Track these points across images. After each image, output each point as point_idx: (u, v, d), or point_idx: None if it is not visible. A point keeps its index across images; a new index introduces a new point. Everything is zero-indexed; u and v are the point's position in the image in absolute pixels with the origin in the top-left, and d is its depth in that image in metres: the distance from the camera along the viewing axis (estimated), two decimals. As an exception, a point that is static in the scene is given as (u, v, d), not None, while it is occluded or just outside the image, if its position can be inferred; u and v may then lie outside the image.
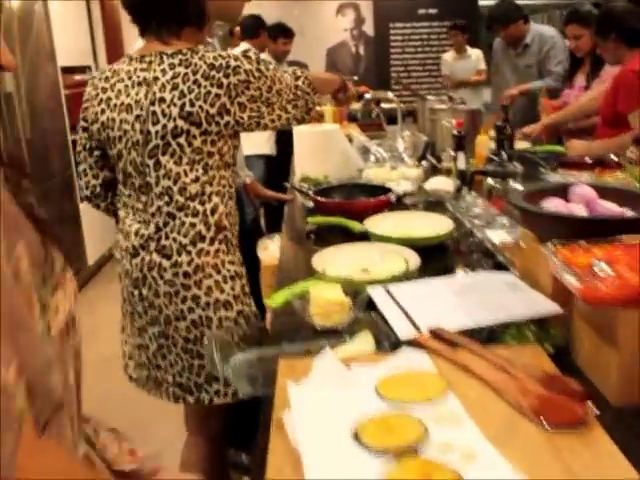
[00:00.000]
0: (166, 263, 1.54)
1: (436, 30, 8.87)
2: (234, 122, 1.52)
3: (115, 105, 1.54)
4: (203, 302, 1.55)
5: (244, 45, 4.23)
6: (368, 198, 2.10)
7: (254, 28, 4.57)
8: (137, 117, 1.51)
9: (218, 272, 1.56)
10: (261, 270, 2.28)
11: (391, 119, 4.39)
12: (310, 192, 2.15)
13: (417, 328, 1.15)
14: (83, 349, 0.65)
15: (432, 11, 8.99)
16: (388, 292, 1.30)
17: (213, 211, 1.55)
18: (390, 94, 3.15)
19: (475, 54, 6.43)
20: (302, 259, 1.78)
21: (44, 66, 4.18)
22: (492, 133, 2.67)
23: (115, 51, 5.34)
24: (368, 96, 3.19)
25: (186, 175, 1.51)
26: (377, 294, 1.29)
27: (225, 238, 1.59)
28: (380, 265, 1.57)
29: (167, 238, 1.54)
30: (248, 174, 2.46)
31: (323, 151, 2.58)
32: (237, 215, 1.67)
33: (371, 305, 1.29)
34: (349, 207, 2.02)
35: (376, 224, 1.86)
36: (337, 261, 1.59)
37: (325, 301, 1.28)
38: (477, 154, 2.58)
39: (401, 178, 2.40)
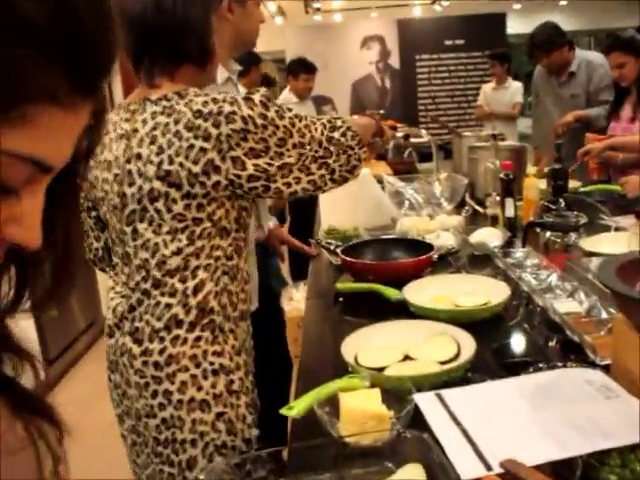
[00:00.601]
0: (136, 349, 1.26)
1: (463, 61, 8.68)
2: (227, 182, 1.21)
3: (99, 162, 1.29)
4: (175, 399, 1.25)
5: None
6: (406, 257, 1.82)
7: (243, 63, 4.16)
8: (115, 176, 1.26)
9: (197, 365, 1.25)
10: (286, 323, 2.08)
11: (422, 155, 4.14)
12: (338, 250, 1.87)
13: (484, 461, 0.85)
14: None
15: (459, 42, 8.81)
16: (441, 400, 1.00)
17: (196, 290, 1.25)
18: (424, 132, 2.87)
19: (515, 86, 6.07)
20: (329, 334, 1.50)
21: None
22: (531, 169, 2.40)
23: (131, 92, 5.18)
24: (399, 134, 2.93)
25: (166, 246, 1.23)
26: (428, 405, 0.99)
27: (211, 323, 1.27)
28: (425, 350, 1.28)
29: (140, 320, 1.27)
30: (270, 219, 2.22)
31: (352, 199, 2.30)
32: (240, 292, 1.35)
33: (419, 415, 1.00)
34: (384, 269, 1.73)
35: (416, 291, 1.58)
36: (372, 344, 1.30)
37: (360, 413, 0.98)
38: (525, 199, 2.29)
39: (440, 228, 2.11)
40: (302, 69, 4.78)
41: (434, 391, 1.03)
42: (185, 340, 1.25)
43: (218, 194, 1.22)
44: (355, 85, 8.68)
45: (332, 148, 1.33)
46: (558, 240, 1.82)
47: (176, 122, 1.19)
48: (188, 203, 1.20)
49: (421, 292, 1.60)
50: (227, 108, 1.19)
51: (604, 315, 1.37)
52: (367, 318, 1.46)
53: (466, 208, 2.40)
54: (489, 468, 0.83)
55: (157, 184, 1.19)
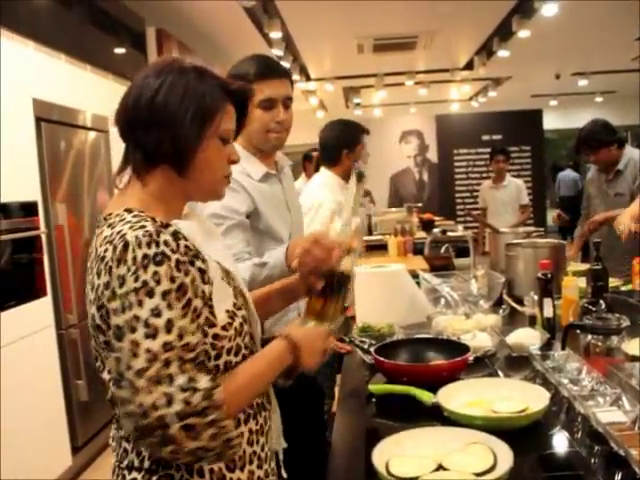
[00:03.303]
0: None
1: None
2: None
3: None
4: None
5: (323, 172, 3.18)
6: (440, 358, 1.78)
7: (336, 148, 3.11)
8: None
9: None
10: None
11: (459, 251, 4.13)
12: (371, 349, 1.84)
13: None
14: None
15: (496, 137, 8.95)
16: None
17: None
18: (460, 227, 2.88)
19: (515, 184, 5.84)
20: (360, 439, 1.45)
21: (106, 195, 4.16)
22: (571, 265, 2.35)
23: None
24: (437, 230, 2.94)
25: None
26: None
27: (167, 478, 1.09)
28: (459, 460, 1.22)
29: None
30: None
31: (387, 295, 2.30)
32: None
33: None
34: (417, 372, 1.69)
35: (451, 395, 1.53)
36: (404, 452, 1.26)
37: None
38: (564, 298, 2.24)
39: (477, 328, 2.07)
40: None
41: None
42: None
43: None
44: (393, 178, 8.82)
45: (161, 388, 0.96)
46: (599, 343, 1.76)
47: (95, 254, 1.07)
48: None
49: (456, 396, 1.55)
50: (109, 254, 1.03)
51: (651, 427, 1.30)
52: (400, 421, 1.43)
53: (503, 307, 2.36)
54: None
55: (92, 330, 1.09)
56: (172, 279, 1.01)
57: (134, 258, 1.00)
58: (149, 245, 1.01)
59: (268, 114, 1.89)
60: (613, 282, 2.71)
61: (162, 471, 1.08)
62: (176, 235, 1.07)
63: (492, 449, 1.24)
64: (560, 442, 1.40)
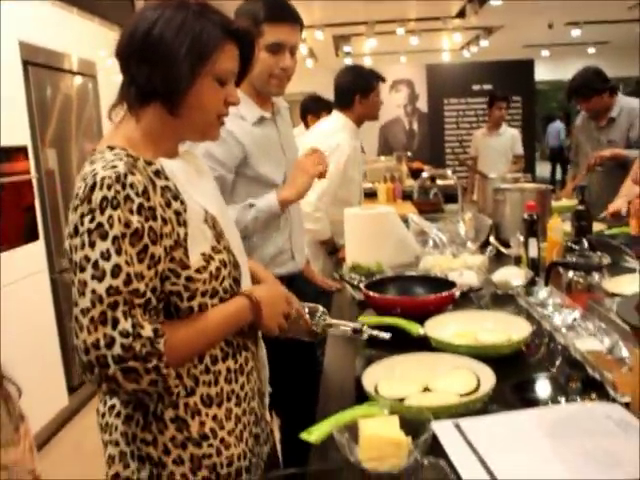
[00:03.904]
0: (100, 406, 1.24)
1: (491, 105, 8.72)
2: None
3: None
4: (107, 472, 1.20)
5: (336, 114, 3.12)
6: (428, 293, 1.84)
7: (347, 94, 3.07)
8: None
9: (127, 443, 1.16)
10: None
11: (448, 197, 4.18)
12: (361, 285, 1.90)
13: (501, 489, 0.87)
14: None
15: (486, 87, 8.90)
16: (459, 429, 1.02)
17: None
18: (449, 172, 2.92)
19: (510, 134, 5.76)
20: (350, 365, 1.53)
21: (95, 144, 4.14)
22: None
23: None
24: (425, 174, 2.97)
25: None
26: (445, 433, 1.01)
27: (143, 406, 1.14)
28: (445, 382, 1.29)
29: None
30: (304, 255, 2.22)
31: (377, 236, 2.34)
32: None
33: (436, 444, 1.02)
34: (406, 305, 1.76)
35: (438, 326, 1.60)
36: (392, 375, 1.33)
37: (378, 440, 1.00)
38: (549, 240, 2.30)
39: (464, 267, 2.13)
40: (323, 107, 4.74)
41: (452, 420, 1.05)
42: (119, 414, 1.17)
43: None
44: (383, 128, 8.80)
45: (106, 331, 1.00)
46: (581, 280, 1.82)
47: (76, 192, 1.08)
48: None
49: (443, 328, 1.61)
50: (80, 191, 1.06)
51: (625, 354, 1.37)
52: (389, 351, 1.48)
53: (490, 248, 2.42)
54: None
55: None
56: (127, 224, 1.02)
57: (96, 199, 1.02)
58: (110, 187, 1.03)
59: (273, 58, 1.86)
60: (598, 227, 2.78)
61: (137, 401, 1.12)
62: (157, 174, 1.10)
63: (476, 373, 1.31)
64: (540, 369, 1.47)
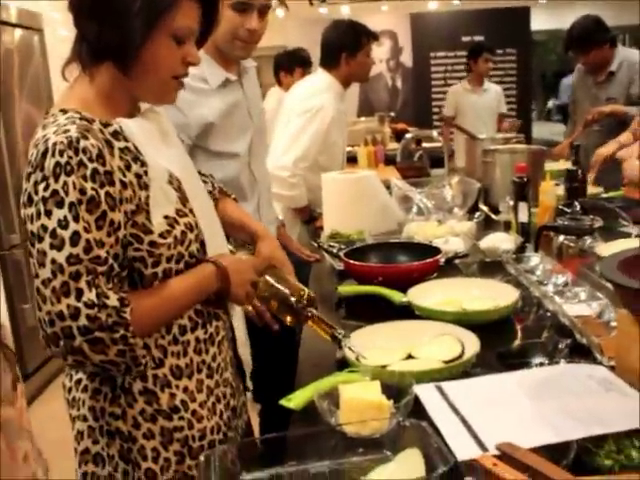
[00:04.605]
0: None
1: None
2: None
3: None
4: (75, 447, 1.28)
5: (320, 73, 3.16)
6: (411, 261, 1.94)
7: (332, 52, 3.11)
8: None
9: (96, 419, 1.24)
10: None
11: (434, 161, 4.27)
12: (341, 253, 2.00)
13: (481, 444, 0.98)
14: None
15: (477, 38, 8.94)
16: (441, 391, 1.13)
17: None
18: (435, 133, 3.01)
19: (494, 89, 5.79)
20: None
21: (42, 107, 4.15)
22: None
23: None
24: (408, 135, 3.06)
25: None
26: (427, 395, 1.12)
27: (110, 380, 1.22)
28: (428, 349, 1.40)
29: None
30: (275, 219, 2.28)
31: (357, 202, 2.44)
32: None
33: (418, 407, 1.13)
34: (388, 273, 1.86)
35: (422, 295, 1.71)
36: (374, 344, 1.43)
37: (359, 404, 1.11)
38: (541, 204, 2.42)
39: (450, 234, 2.24)
40: (298, 63, 4.75)
41: (434, 383, 1.16)
42: (86, 388, 1.23)
43: None
44: (363, 85, 8.85)
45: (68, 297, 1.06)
46: (572, 244, 1.94)
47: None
48: None
49: (427, 296, 1.72)
50: (32, 158, 1.12)
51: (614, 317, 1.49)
52: (370, 322, 1.58)
53: (478, 214, 2.53)
54: (485, 450, 0.96)
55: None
56: (82, 191, 1.07)
57: (49, 166, 1.07)
58: (62, 153, 1.07)
59: (239, 18, 1.87)
60: (594, 190, 2.90)
61: (104, 374, 1.18)
62: (116, 135, 1.16)
63: (460, 340, 1.42)
64: (527, 336, 1.59)
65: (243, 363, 1.65)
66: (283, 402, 1.19)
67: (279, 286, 1.42)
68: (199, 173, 1.44)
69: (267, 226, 2.10)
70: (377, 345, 1.43)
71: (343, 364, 1.37)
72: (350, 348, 1.35)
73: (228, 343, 1.39)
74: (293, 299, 1.38)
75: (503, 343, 1.53)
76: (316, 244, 2.24)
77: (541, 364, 1.27)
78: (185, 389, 1.24)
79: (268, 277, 1.43)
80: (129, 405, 1.20)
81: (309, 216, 2.92)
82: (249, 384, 1.73)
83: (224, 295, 1.29)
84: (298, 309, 1.38)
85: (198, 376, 1.26)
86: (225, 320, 1.37)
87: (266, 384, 1.83)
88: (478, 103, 5.66)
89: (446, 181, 2.83)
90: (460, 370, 1.29)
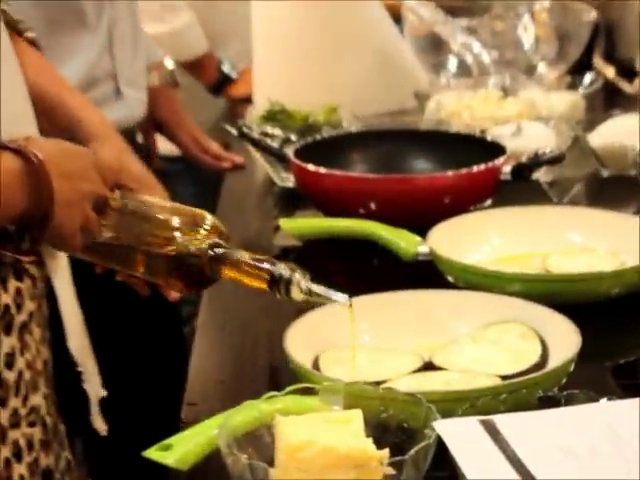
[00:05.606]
0: None
1: None
2: None
3: None
4: None
5: None
6: (442, 169, 2.00)
7: None
8: None
9: None
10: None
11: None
12: (289, 151, 2.03)
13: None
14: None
15: None
16: (492, 433, 1.15)
17: None
18: None
19: None
20: (260, 318, 1.69)
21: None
22: None
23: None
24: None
25: None
26: (463, 440, 1.14)
27: None
28: (470, 351, 1.43)
29: None
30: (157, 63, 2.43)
31: (325, 46, 2.45)
32: None
33: (444, 464, 1.15)
34: (392, 193, 1.89)
35: (460, 242, 1.74)
36: (358, 338, 1.44)
37: (317, 455, 1.13)
38: None
39: (526, 116, 2.27)
40: None
41: (478, 417, 1.18)
42: None
43: None
44: None
45: None
46: None
47: None
48: None
49: (471, 245, 1.77)
50: None
51: None
52: (350, 293, 1.59)
53: (590, 77, 2.56)
54: None
55: None
56: None
57: None
58: None
59: None
60: None
61: None
62: None
63: (539, 333, 1.44)
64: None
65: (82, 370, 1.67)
66: (153, 454, 1.20)
67: (152, 213, 1.43)
68: None
69: (124, 87, 2.15)
70: (364, 341, 1.46)
71: (285, 380, 1.38)
72: (312, 290, 1.36)
73: (42, 328, 1.44)
74: (181, 235, 1.38)
75: (625, 341, 1.57)
76: (236, 132, 2.24)
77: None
78: None
79: (126, 199, 1.43)
80: None
81: (218, 78, 3.02)
82: (95, 417, 1.75)
83: (37, 223, 1.29)
84: (194, 253, 1.36)
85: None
86: (37, 278, 1.42)
87: (118, 414, 1.86)
88: None
89: (524, 8, 2.85)
90: (537, 393, 1.32)
